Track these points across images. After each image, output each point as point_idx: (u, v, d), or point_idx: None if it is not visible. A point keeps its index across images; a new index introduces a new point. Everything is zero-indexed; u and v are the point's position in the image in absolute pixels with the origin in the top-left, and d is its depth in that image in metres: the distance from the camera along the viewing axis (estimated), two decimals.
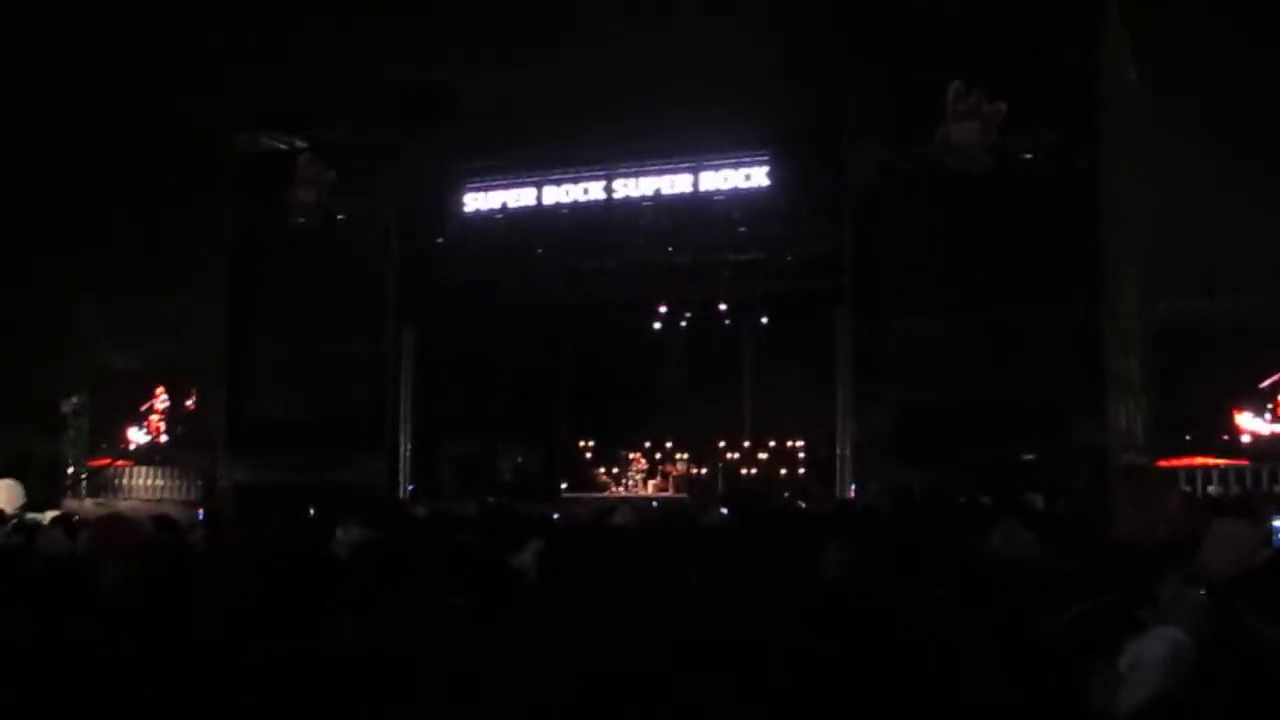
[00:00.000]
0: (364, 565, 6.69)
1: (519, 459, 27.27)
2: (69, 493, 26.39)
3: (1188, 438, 19.97)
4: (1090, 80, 19.43)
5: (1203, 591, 3.42)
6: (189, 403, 27.04)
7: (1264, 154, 18.63)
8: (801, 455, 26.60)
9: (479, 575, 5.99)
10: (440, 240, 24.99)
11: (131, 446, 27.32)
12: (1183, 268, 19.58)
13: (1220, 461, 19.56)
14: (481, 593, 5.51)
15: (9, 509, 20.20)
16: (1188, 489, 18.33)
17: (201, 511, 19.38)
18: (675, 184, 23.14)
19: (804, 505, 20.01)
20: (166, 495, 25.77)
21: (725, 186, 22.86)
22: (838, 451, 21.84)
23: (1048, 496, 13.84)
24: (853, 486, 20.90)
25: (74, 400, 27.08)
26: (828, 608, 4.84)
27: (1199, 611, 3.35)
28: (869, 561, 5.75)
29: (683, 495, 24.94)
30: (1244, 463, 19.45)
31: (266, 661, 3.89)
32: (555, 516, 13.52)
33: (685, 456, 27.95)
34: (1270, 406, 20.31)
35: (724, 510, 14.61)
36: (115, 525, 8.96)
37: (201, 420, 26.35)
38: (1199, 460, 19.58)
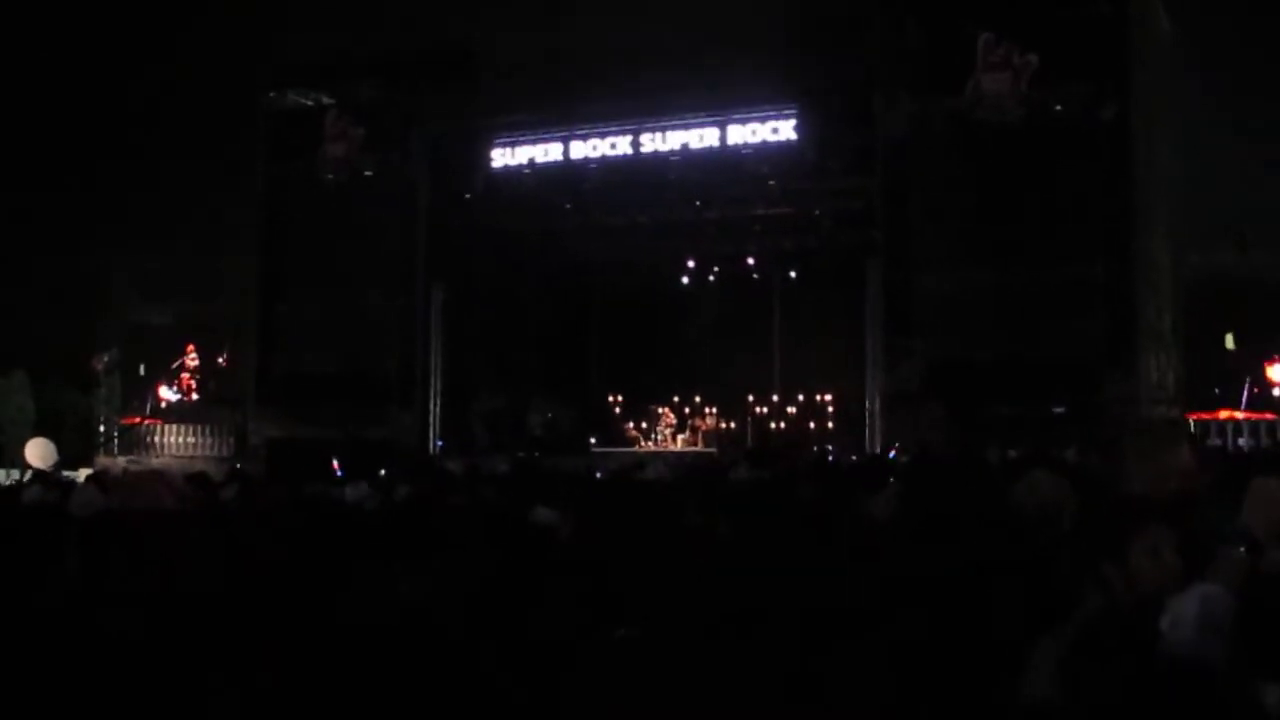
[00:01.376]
0: (381, 528, 6.67)
1: (549, 414, 27.31)
2: (101, 450, 26.56)
3: (1216, 391, 19.88)
4: (1123, 32, 19.26)
5: (1243, 549, 3.41)
6: (221, 359, 27.12)
7: None
8: (831, 409, 26.57)
9: (504, 535, 5.98)
10: (468, 196, 24.98)
11: (163, 404, 27.45)
12: (1214, 220, 19.45)
13: (1251, 415, 19.51)
14: (508, 553, 5.51)
15: (43, 466, 20.39)
16: (1218, 442, 18.28)
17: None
18: (703, 138, 23.03)
19: (831, 459, 20.00)
20: (199, 452, 25.90)
21: (753, 140, 22.77)
22: (867, 406, 21.83)
23: (1080, 451, 13.76)
24: (895, 444, 20.86)
25: (106, 358, 27.19)
26: (867, 563, 4.84)
27: (1241, 569, 3.34)
28: (908, 517, 5.73)
29: (712, 449, 24.94)
30: (1271, 416, 19.40)
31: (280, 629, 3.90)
32: (596, 473, 13.43)
33: (714, 410, 27.94)
34: None
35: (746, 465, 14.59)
36: (148, 483, 8.99)
37: (233, 376, 26.45)
38: (1226, 414, 19.54)
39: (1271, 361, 20.02)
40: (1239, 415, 19.60)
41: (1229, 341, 19.97)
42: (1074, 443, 14.14)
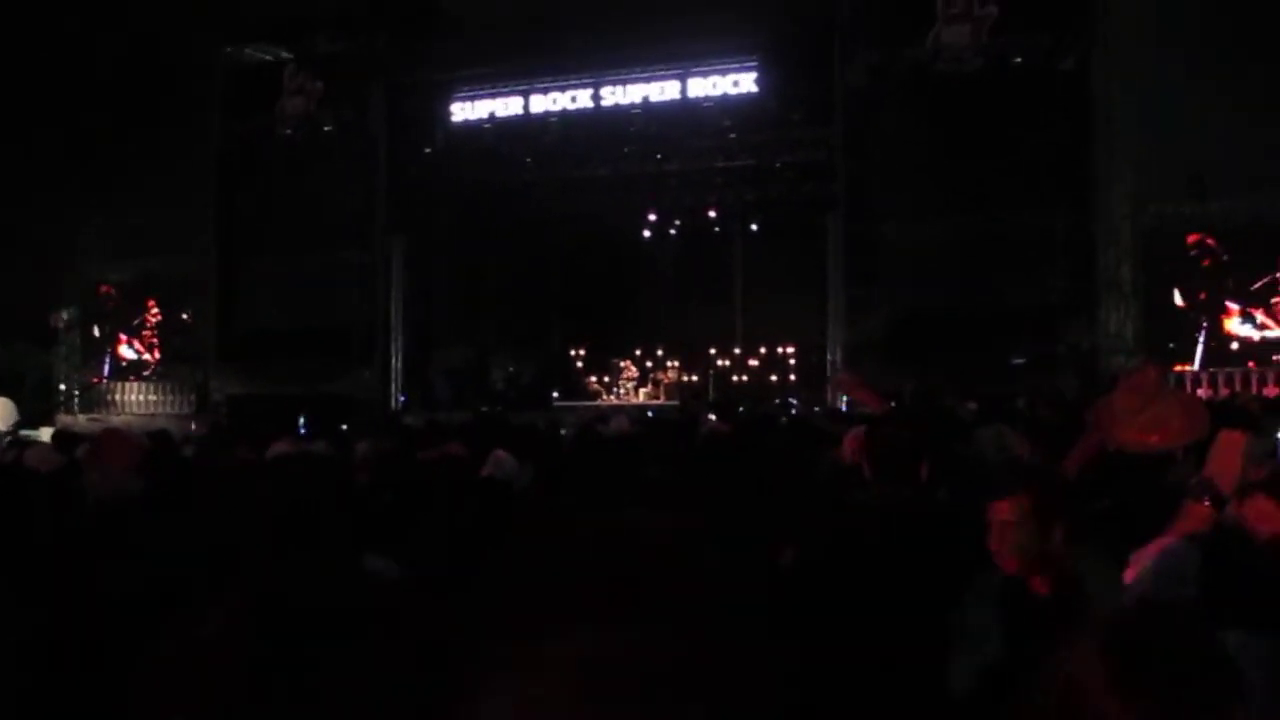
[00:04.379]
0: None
1: (511, 368, 27.30)
2: (62, 409, 26.43)
3: (1171, 345, 19.93)
4: None
5: (1207, 501, 3.45)
6: (185, 315, 26.93)
7: (1256, 55, 18.53)
8: (793, 362, 26.67)
9: (465, 489, 5.93)
10: (428, 150, 24.89)
11: (123, 362, 27.30)
12: (1173, 170, 19.52)
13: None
14: (469, 509, 5.47)
15: (2, 426, 20.25)
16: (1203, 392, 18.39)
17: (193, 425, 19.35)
18: (664, 91, 23.00)
19: (794, 410, 20.08)
20: (160, 410, 25.82)
21: (714, 93, 22.75)
22: (829, 357, 21.90)
23: (1030, 401, 13.80)
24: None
25: (65, 316, 27.02)
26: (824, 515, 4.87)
27: (1204, 521, 3.38)
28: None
29: (674, 402, 24.99)
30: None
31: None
32: (560, 428, 13.43)
33: (676, 364, 28.01)
34: (1260, 310, 20.25)
35: (712, 417, 14.64)
36: (111, 440, 8.95)
37: (194, 334, 26.32)
38: (1180, 368, 19.64)
39: (1228, 314, 20.05)
40: (1190, 370, 19.72)
41: (1177, 296, 20.01)
42: (1029, 394, 14.22)
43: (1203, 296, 20.00)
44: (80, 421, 24.30)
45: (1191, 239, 20.02)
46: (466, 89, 24.13)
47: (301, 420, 17.67)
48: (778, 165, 24.52)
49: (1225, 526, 3.37)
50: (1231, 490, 3.46)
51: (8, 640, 3.64)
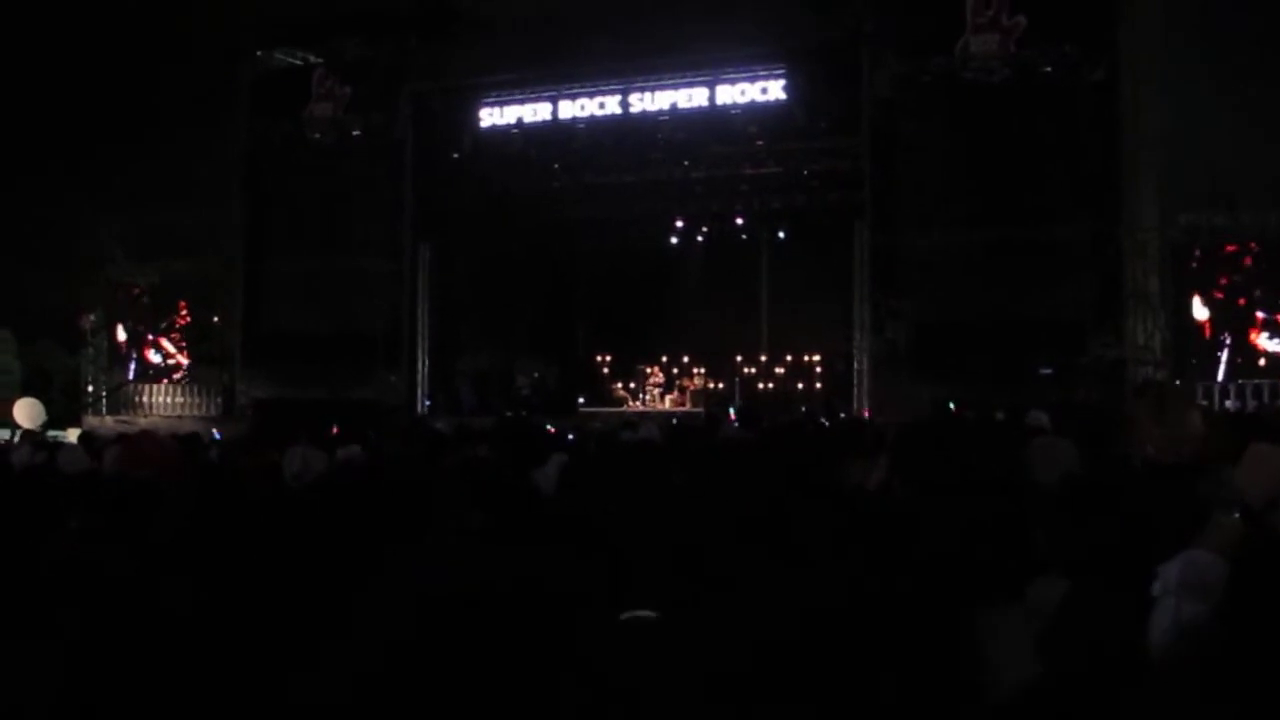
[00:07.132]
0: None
1: (536, 374, 27.33)
2: (89, 410, 26.50)
3: (1194, 361, 19.74)
4: None
5: (1237, 515, 3.42)
6: (215, 319, 26.95)
7: None
8: (819, 370, 26.62)
9: (495, 494, 5.91)
10: (456, 156, 24.90)
11: (150, 364, 27.35)
12: (1201, 182, 19.40)
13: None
14: (499, 512, 5.45)
15: (31, 426, 20.37)
16: (1204, 403, 18.23)
17: (217, 431, 19.35)
18: (692, 98, 22.95)
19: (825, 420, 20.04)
20: (186, 412, 25.88)
21: (742, 100, 22.68)
22: (855, 367, 21.88)
23: (1053, 414, 13.67)
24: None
25: (93, 318, 27.08)
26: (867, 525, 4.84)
27: (1234, 535, 3.35)
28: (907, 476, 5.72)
29: (699, 409, 24.97)
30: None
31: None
32: (578, 433, 13.42)
33: (702, 371, 27.99)
34: None
35: (736, 424, 14.63)
36: (143, 444, 8.99)
37: (220, 337, 26.37)
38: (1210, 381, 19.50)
39: (1256, 329, 19.80)
40: (1216, 383, 19.54)
41: (1202, 310, 19.80)
42: (1055, 405, 14.10)
43: (1223, 301, 19.82)
44: (107, 423, 24.38)
45: (1219, 251, 19.85)
46: (494, 95, 24.13)
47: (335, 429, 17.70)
48: (805, 173, 24.54)
49: (1256, 540, 3.34)
50: (1262, 503, 3.44)
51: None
